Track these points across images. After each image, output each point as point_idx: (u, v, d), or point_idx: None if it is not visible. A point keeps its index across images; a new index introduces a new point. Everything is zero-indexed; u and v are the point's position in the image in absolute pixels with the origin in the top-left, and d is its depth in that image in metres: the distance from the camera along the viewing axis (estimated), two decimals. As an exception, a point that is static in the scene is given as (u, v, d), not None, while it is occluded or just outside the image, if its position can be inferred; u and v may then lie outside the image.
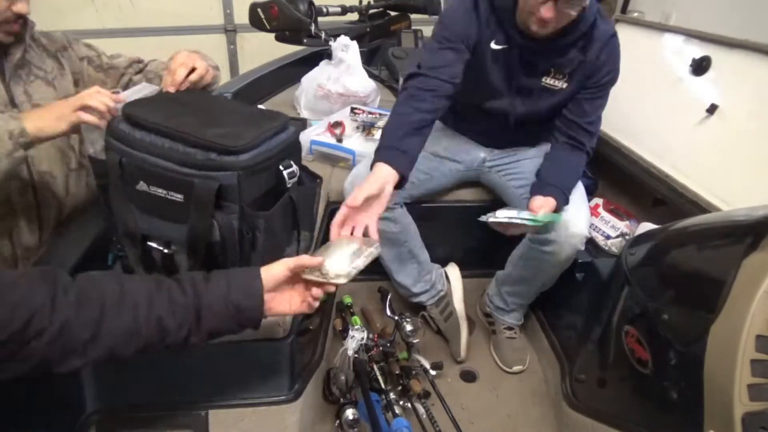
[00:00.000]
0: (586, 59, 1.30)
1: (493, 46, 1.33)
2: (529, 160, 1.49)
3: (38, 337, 0.65)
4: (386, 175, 1.12)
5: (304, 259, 0.85)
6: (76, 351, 0.69)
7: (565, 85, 1.34)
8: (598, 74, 1.32)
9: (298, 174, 1.01)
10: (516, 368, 1.52)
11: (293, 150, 1.03)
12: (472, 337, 1.58)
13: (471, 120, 1.54)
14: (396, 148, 1.16)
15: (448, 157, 1.55)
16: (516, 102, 1.40)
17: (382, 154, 1.16)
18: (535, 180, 1.36)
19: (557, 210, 1.29)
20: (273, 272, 0.82)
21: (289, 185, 0.99)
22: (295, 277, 0.86)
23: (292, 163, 0.99)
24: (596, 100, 1.36)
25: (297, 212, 1.09)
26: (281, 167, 0.97)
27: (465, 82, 1.31)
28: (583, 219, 1.32)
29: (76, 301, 0.69)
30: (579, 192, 1.39)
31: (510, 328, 1.56)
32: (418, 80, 1.26)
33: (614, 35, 1.31)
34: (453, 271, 1.64)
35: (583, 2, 1.16)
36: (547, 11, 1.15)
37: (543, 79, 1.35)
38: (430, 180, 1.53)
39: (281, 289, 0.85)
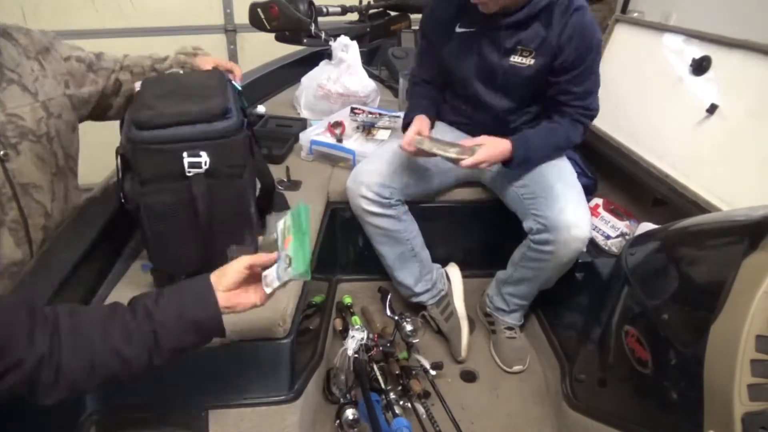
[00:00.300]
0: (548, 35, 1.30)
1: (458, 29, 1.39)
2: None
3: (15, 368, 0.64)
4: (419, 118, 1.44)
5: (262, 257, 0.84)
6: (48, 385, 0.68)
7: (531, 62, 1.34)
8: (565, 52, 1.30)
9: (206, 166, 0.97)
10: (516, 368, 1.52)
11: (220, 144, 0.99)
12: (472, 336, 1.59)
13: (463, 113, 1.56)
14: (417, 110, 1.48)
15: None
16: (489, 86, 1.42)
17: (409, 117, 1.48)
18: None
19: (506, 162, 1.35)
20: (229, 273, 0.81)
21: (189, 174, 0.96)
22: (254, 275, 0.84)
23: (202, 153, 0.96)
24: (579, 78, 1.34)
25: (196, 203, 0.99)
26: (185, 154, 0.96)
27: (442, 72, 1.45)
28: (584, 221, 1.30)
29: (50, 336, 0.68)
30: (574, 188, 1.37)
31: (510, 328, 1.56)
32: (418, 88, 1.56)
33: (579, 9, 1.29)
34: (453, 271, 1.64)
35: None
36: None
37: (511, 58, 1.36)
38: (432, 177, 1.53)
39: (243, 287, 0.83)
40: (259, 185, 1.20)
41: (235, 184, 1.02)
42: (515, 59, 1.36)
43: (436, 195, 1.61)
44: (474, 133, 1.55)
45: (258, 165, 1.14)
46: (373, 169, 1.45)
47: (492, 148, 1.31)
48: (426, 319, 1.62)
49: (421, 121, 1.44)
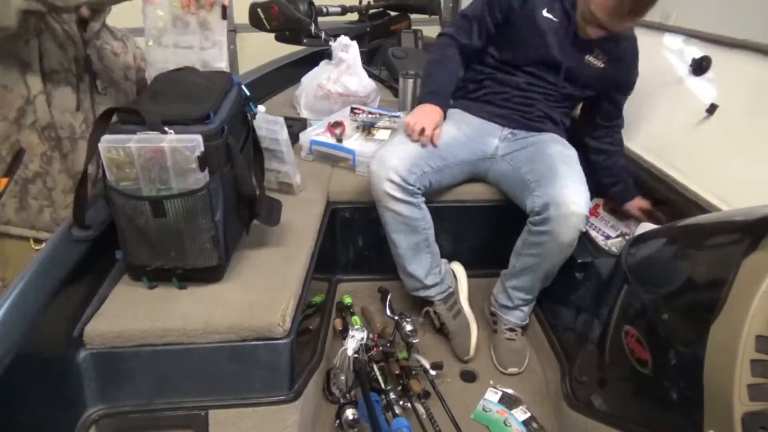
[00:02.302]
0: (620, 48, 1.51)
1: (545, 14, 1.49)
2: (536, 147, 1.51)
3: None
4: (440, 113, 1.54)
5: None
6: None
7: (602, 65, 1.51)
8: (629, 70, 1.55)
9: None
10: (511, 370, 1.51)
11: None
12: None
13: (494, 90, 1.61)
14: (440, 94, 1.57)
15: (467, 141, 1.56)
16: (558, 76, 1.53)
17: (433, 99, 1.55)
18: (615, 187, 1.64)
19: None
20: None
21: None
22: None
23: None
24: (625, 95, 1.60)
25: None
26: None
27: (512, 40, 1.54)
28: (582, 198, 1.32)
29: None
30: (577, 171, 1.40)
31: (512, 330, 1.55)
32: (451, 50, 1.60)
33: (636, 38, 1.54)
34: (459, 268, 1.65)
35: (632, 32, 1.49)
36: (593, 32, 1.43)
37: (586, 57, 1.51)
38: (446, 168, 1.51)
39: None
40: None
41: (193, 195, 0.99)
42: (589, 59, 1.52)
43: (447, 191, 1.60)
44: (494, 118, 1.62)
45: (237, 173, 1.09)
46: (399, 154, 1.43)
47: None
48: (430, 316, 1.61)
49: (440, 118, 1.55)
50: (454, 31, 1.60)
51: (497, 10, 1.53)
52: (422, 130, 1.45)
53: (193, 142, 0.94)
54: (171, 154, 0.93)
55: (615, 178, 1.64)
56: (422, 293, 1.56)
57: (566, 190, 1.32)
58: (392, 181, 1.40)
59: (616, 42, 1.49)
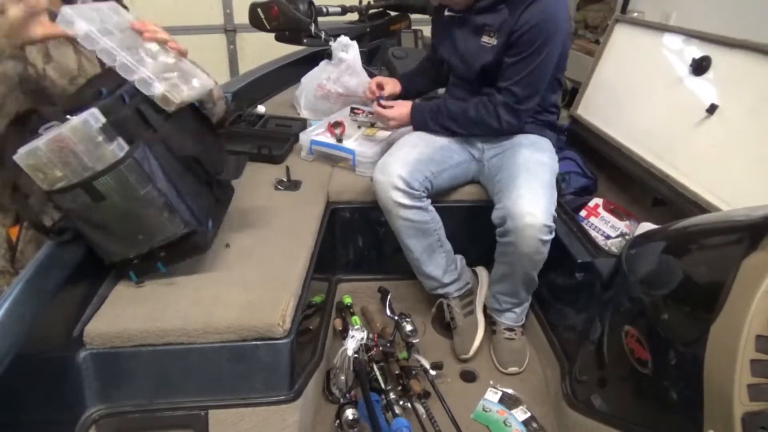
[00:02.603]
0: (509, 17, 1.42)
1: (446, 13, 1.56)
2: (510, 152, 1.51)
3: None
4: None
5: None
6: None
7: (494, 42, 1.47)
8: (516, 33, 1.41)
9: None
10: (511, 369, 1.52)
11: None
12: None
13: (454, 94, 1.68)
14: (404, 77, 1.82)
15: (458, 144, 1.59)
16: (465, 65, 1.55)
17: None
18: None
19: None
20: None
21: None
22: None
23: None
24: (517, 63, 1.43)
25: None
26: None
27: (439, 51, 1.63)
28: (538, 207, 1.31)
29: None
30: (539, 179, 1.39)
31: (510, 329, 1.56)
32: (420, 64, 1.85)
33: (531, 4, 1.39)
34: (483, 273, 1.67)
35: None
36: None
37: (481, 39, 1.50)
38: (443, 171, 1.54)
39: None
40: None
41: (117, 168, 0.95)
42: (484, 39, 1.49)
43: (445, 193, 1.62)
44: None
45: (164, 135, 1.03)
46: (401, 161, 1.45)
47: (397, 108, 1.61)
48: (442, 308, 1.61)
49: (389, 80, 1.77)
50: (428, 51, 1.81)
51: (433, 19, 1.67)
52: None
53: (86, 116, 0.91)
54: (74, 135, 0.91)
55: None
56: (441, 291, 1.59)
57: (522, 201, 1.31)
58: (398, 188, 1.41)
59: (511, 12, 1.42)
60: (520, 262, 1.39)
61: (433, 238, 1.51)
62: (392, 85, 1.75)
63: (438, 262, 1.54)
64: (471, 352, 1.54)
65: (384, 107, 1.60)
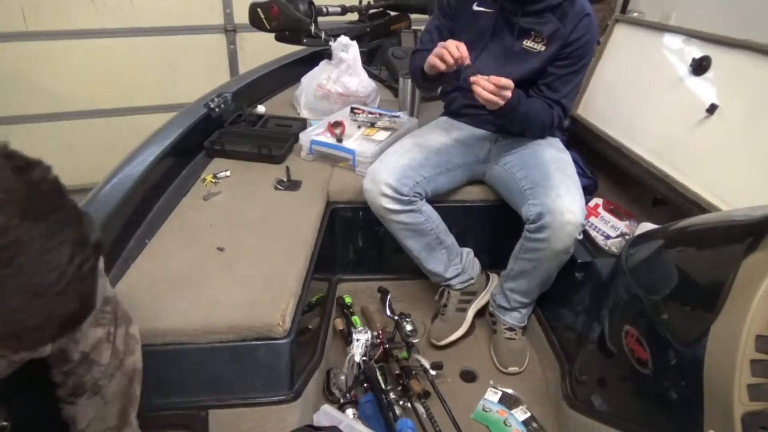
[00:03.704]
0: (561, 28, 1.41)
1: (475, 7, 1.47)
2: (530, 151, 1.51)
3: None
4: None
5: None
6: None
7: (543, 48, 1.43)
8: (571, 46, 1.42)
9: None
10: (512, 369, 1.52)
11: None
12: (461, 341, 1.60)
13: (465, 103, 1.61)
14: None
15: (459, 147, 1.58)
16: (499, 65, 1.46)
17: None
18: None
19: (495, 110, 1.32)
20: None
21: None
22: None
23: None
24: (569, 77, 1.46)
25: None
26: None
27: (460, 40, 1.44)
28: (577, 206, 1.32)
29: None
30: (573, 180, 1.41)
31: (511, 329, 1.56)
32: (420, 52, 1.52)
33: (589, 14, 1.41)
34: (494, 281, 1.67)
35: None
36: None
37: (524, 42, 1.45)
38: (441, 174, 1.53)
39: None
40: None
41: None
42: (528, 44, 1.45)
43: (447, 194, 1.61)
44: (482, 125, 1.62)
45: None
46: (389, 167, 1.46)
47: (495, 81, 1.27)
48: (442, 296, 1.63)
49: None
50: (423, 43, 1.60)
51: (447, 10, 1.55)
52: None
53: None
54: None
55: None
56: (444, 284, 1.61)
57: (561, 200, 1.31)
58: (386, 195, 1.42)
59: (559, 19, 1.40)
60: (547, 259, 1.39)
61: (430, 237, 1.51)
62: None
63: (439, 258, 1.55)
64: (443, 342, 1.58)
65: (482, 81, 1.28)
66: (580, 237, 1.36)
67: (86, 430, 0.93)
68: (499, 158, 1.56)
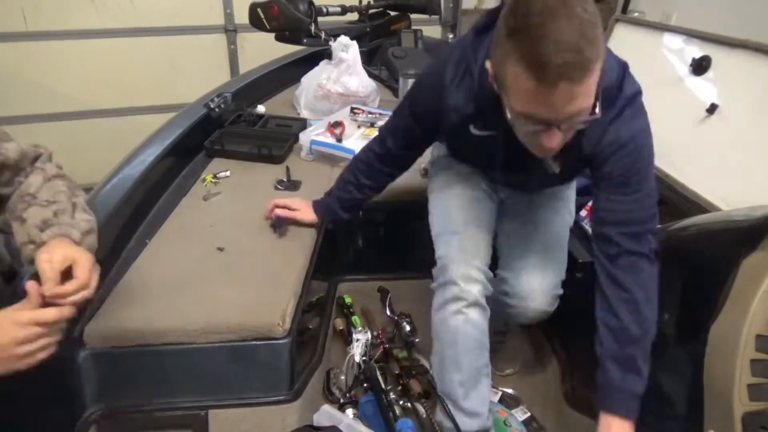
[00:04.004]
0: (580, 144, 0.97)
1: (473, 131, 1.08)
2: (526, 207, 1.30)
3: None
4: (311, 218, 1.36)
5: None
6: None
7: (558, 170, 1.02)
8: (603, 167, 0.98)
9: None
10: (507, 371, 1.52)
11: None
12: None
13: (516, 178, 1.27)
14: (332, 209, 1.35)
15: (462, 182, 1.29)
16: (513, 172, 1.19)
17: (322, 201, 1.36)
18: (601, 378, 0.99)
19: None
20: None
21: None
22: None
23: None
24: (626, 196, 0.97)
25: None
26: None
27: (450, 144, 1.28)
28: (545, 288, 1.17)
29: None
30: (552, 252, 1.22)
31: (501, 333, 1.55)
32: (380, 155, 1.26)
33: (613, 121, 0.95)
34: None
35: (595, 115, 0.85)
36: (549, 140, 0.85)
37: (537, 169, 1.06)
38: (485, 228, 1.27)
39: None
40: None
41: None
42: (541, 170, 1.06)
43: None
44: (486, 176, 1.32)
45: None
46: (469, 253, 1.15)
47: None
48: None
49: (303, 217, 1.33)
50: (390, 138, 1.24)
51: (422, 122, 1.16)
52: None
53: None
54: None
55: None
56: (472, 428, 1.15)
57: (526, 278, 1.19)
58: (478, 281, 1.13)
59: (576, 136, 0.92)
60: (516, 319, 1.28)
61: (480, 361, 1.15)
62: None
63: (481, 391, 1.16)
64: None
65: None
66: (556, 304, 1.23)
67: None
68: (507, 197, 1.34)
